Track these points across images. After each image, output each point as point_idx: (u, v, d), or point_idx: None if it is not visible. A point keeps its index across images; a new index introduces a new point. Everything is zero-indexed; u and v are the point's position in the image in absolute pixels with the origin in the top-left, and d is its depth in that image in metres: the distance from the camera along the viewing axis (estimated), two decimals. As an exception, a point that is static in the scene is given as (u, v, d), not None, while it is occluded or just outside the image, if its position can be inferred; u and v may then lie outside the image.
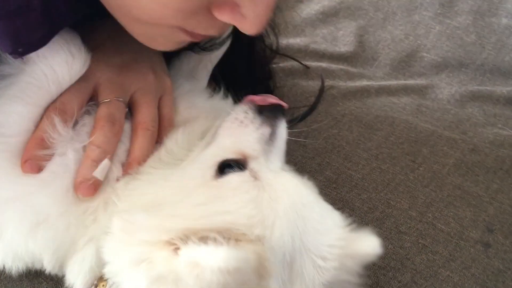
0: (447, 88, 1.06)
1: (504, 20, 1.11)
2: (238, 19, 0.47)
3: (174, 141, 0.59)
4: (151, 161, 0.57)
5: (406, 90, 1.05)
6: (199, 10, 0.46)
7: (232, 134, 0.58)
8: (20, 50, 0.49)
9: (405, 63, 1.12)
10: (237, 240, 0.47)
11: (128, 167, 0.56)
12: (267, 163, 0.55)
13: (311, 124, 0.91)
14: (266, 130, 0.58)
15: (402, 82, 1.07)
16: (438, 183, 0.82)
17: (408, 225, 0.76)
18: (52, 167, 0.53)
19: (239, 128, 0.58)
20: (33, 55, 0.53)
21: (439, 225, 0.76)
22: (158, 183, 0.54)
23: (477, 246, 0.74)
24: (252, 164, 0.55)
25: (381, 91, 1.03)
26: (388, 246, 0.72)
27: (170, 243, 0.46)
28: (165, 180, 0.54)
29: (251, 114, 0.59)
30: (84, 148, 0.55)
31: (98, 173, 0.53)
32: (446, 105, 1.02)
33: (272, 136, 0.58)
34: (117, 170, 0.56)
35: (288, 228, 0.49)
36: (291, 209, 0.50)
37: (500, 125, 0.97)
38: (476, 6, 1.13)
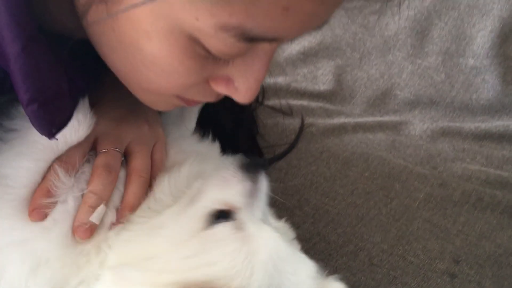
0: (419, 124, 1.13)
1: (471, 61, 1.19)
2: (232, 91, 0.54)
3: (161, 190, 0.64)
4: (141, 210, 0.62)
5: (381, 126, 1.12)
6: (198, 83, 0.53)
7: (217, 186, 0.62)
8: (54, 131, 0.54)
9: (380, 100, 1.19)
10: None
11: (121, 212, 0.61)
12: (250, 215, 0.59)
13: (291, 161, 0.97)
14: (247, 184, 0.62)
15: (377, 118, 1.14)
16: (408, 217, 0.88)
17: (380, 257, 0.81)
18: (54, 214, 0.57)
19: (224, 183, 0.62)
20: None
21: (409, 257, 0.82)
22: (148, 235, 0.58)
23: (444, 277, 0.80)
24: (238, 215, 0.59)
25: (357, 127, 1.10)
26: (361, 278, 0.78)
27: None
28: (155, 232, 0.58)
29: (233, 170, 0.63)
30: (82, 195, 0.59)
31: (94, 218, 0.58)
32: (418, 140, 1.09)
33: (254, 190, 0.62)
34: (112, 215, 0.60)
35: (265, 281, 0.53)
36: (268, 262, 0.54)
37: (468, 160, 1.04)
38: (445, 47, 1.21)
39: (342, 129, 1.08)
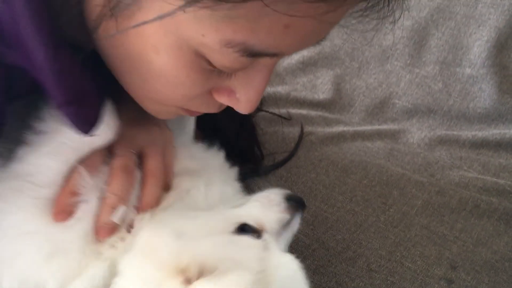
0: (417, 132, 1.15)
1: (468, 70, 1.21)
2: (234, 102, 0.57)
3: (197, 189, 0.68)
4: (178, 198, 0.66)
5: (379, 134, 1.13)
6: (201, 95, 0.56)
7: (260, 207, 0.66)
8: (90, 129, 0.58)
9: (379, 109, 1.21)
10: None
11: (140, 211, 0.63)
12: (276, 243, 0.63)
13: (291, 169, 0.99)
14: (286, 216, 0.66)
15: (376, 127, 1.16)
16: (406, 224, 0.90)
17: (378, 263, 0.83)
18: (78, 213, 0.59)
19: (268, 204, 0.67)
20: None
21: (407, 263, 0.83)
22: (185, 217, 0.62)
23: (441, 282, 0.81)
24: (265, 237, 0.62)
25: (356, 136, 1.11)
26: (359, 283, 0.79)
27: (184, 272, 0.52)
28: (191, 218, 0.62)
29: (280, 198, 0.68)
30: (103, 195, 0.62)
31: (116, 217, 0.60)
32: (416, 148, 1.10)
33: (288, 224, 0.66)
34: (131, 213, 0.63)
35: None
36: (284, 284, 0.58)
37: (465, 168, 1.05)
38: (442, 57, 1.23)
39: (341, 138, 1.10)
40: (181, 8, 0.44)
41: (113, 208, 0.61)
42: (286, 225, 0.66)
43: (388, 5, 0.50)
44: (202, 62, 0.50)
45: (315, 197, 0.93)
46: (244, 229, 0.62)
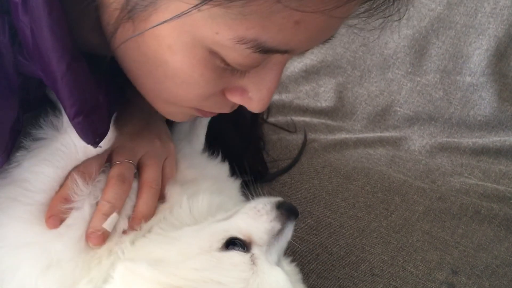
0: (418, 140, 1.16)
1: (468, 78, 1.23)
2: (246, 101, 0.58)
3: (178, 205, 0.67)
4: (158, 222, 0.65)
5: (381, 142, 1.15)
6: (215, 94, 0.58)
7: (248, 218, 0.64)
8: (97, 140, 0.59)
9: (381, 117, 1.23)
10: None
11: (133, 221, 0.64)
12: (267, 254, 0.61)
13: (294, 176, 1.01)
14: (277, 225, 0.64)
15: (377, 134, 1.18)
16: (408, 229, 0.91)
17: (381, 268, 0.84)
18: (69, 220, 0.61)
19: (255, 215, 0.64)
20: (66, 125, 0.63)
21: (409, 268, 0.85)
22: (163, 243, 0.61)
23: (442, 286, 0.82)
24: (255, 250, 0.61)
25: (358, 143, 1.13)
26: (362, 287, 0.81)
27: None
28: (173, 241, 0.61)
29: (269, 207, 0.65)
30: (97, 203, 0.63)
31: (107, 225, 0.61)
32: (418, 155, 1.12)
33: (279, 233, 0.64)
34: (123, 223, 0.63)
35: None
36: None
37: (466, 174, 1.07)
38: (443, 65, 1.25)
39: (343, 145, 1.11)
40: (196, 6, 0.46)
41: (106, 215, 0.61)
42: (277, 234, 0.64)
43: (393, 4, 0.52)
44: (216, 60, 0.52)
45: (318, 203, 0.95)
46: (232, 243, 0.60)
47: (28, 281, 0.60)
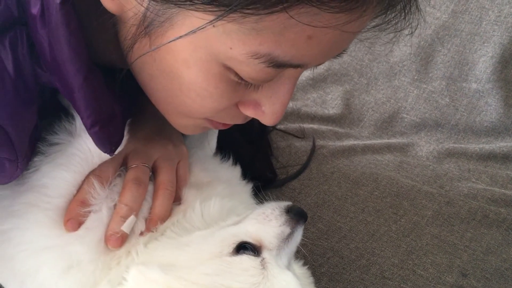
0: (425, 146, 1.18)
1: (474, 85, 1.24)
2: (260, 114, 0.59)
3: (192, 209, 0.69)
4: (171, 225, 0.66)
5: (389, 148, 1.16)
6: (229, 107, 0.59)
7: (257, 223, 0.65)
8: (113, 148, 0.61)
9: (388, 123, 1.25)
10: None
11: (150, 223, 0.65)
12: (277, 258, 0.62)
13: (303, 181, 1.02)
14: (286, 229, 0.64)
15: (385, 141, 1.19)
16: (417, 233, 0.92)
17: (391, 271, 0.85)
18: (88, 223, 0.62)
19: (265, 220, 0.65)
20: (80, 130, 0.65)
21: (419, 271, 0.86)
22: (175, 248, 0.62)
23: (452, 289, 0.84)
24: (265, 254, 0.61)
25: (366, 149, 1.15)
26: (373, 290, 0.82)
27: None
28: (184, 246, 0.62)
29: (278, 212, 0.66)
30: (115, 205, 0.65)
31: (125, 227, 0.63)
32: (425, 161, 1.13)
33: (289, 237, 0.64)
34: (141, 225, 0.65)
35: None
36: None
37: (473, 179, 1.08)
38: (449, 72, 1.26)
39: (351, 151, 1.13)
40: (211, 22, 0.47)
41: (124, 218, 0.63)
42: (287, 238, 0.64)
43: (405, 18, 0.53)
44: (230, 75, 0.53)
45: (328, 208, 0.96)
46: (243, 247, 0.61)
47: (49, 283, 0.61)
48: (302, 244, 0.70)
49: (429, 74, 1.28)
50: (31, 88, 0.56)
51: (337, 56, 0.56)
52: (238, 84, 0.55)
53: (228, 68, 0.52)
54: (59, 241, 0.62)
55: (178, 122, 0.66)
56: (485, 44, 1.26)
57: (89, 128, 0.57)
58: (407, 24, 0.53)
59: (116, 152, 0.63)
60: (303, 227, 0.67)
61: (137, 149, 0.70)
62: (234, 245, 0.61)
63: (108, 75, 0.58)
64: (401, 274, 0.85)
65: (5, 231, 0.63)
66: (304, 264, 0.73)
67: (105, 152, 0.62)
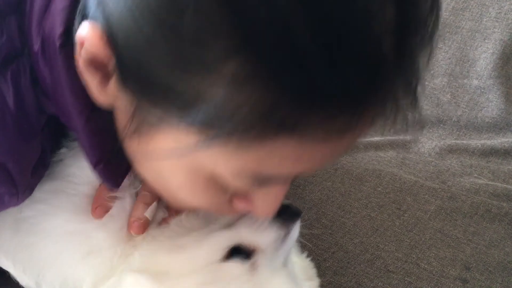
0: (428, 142, 1.18)
1: (475, 82, 1.25)
2: (252, 209, 0.57)
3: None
4: (174, 222, 0.66)
5: (391, 144, 1.17)
6: (223, 203, 0.57)
7: (251, 224, 0.63)
8: (119, 181, 0.61)
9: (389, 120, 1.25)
10: None
11: (171, 211, 0.66)
12: (272, 258, 0.61)
13: (307, 178, 1.03)
14: (281, 232, 0.63)
15: (387, 137, 1.20)
16: (421, 228, 0.93)
17: (395, 265, 0.86)
18: (112, 211, 0.63)
19: (260, 223, 0.63)
20: None
21: (422, 264, 0.87)
22: (170, 251, 0.62)
23: (456, 282, 0.84)
24: (258, 256, 0.60)
25: (369, 146, 1.15)
26: (378, 283, 0.83)
27: None
28: (176, 251, 0.62)
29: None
30: (137, 193, 0.65)
31: (148, 213, 0.63)
32: (427, 157, 1.14)
33: (285, 237, 0.63)
34: (162, 212, 0.66)
35: None
36: None
37: (475, 175, 1.09)
38: (450, 69, 1.27)
39: (354, 148, 1.13)
40: (195, 145, 0.44)
41: (146, 204, 0.64)
42: (283, 239, 0.63)
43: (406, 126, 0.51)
44: (217, 183, 0.50)
45: (332, 204, 0.97)
46: (237, 250, 0.60)
47: (68, 267, 0.62)
48: (307, 239, 0.71)
49: (430, 71, 1.29)
50: (33, 120, 0.55)
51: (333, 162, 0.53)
52: (227, 188, 0.52)
53: (215, 179, 0.50)
54: (83, 226, 0.63)
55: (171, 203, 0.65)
56: (485, 40, 1.27)
57: (94, 166, 0.57)
58: (405, 128, 0.51)
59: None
60: (299, 222, 0.65)
61: None
62: (227, 250, 0.60)
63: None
64: (405, 267, 0.86)
65: (25, 219, 0.63)
66: (308, 256, 0.74)
67: (111, 187, 0.62)
